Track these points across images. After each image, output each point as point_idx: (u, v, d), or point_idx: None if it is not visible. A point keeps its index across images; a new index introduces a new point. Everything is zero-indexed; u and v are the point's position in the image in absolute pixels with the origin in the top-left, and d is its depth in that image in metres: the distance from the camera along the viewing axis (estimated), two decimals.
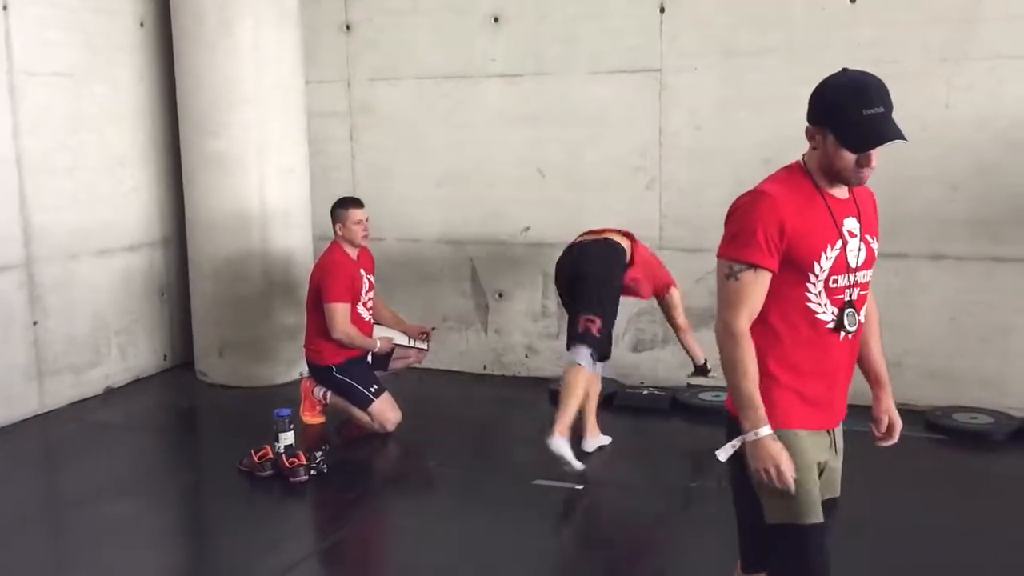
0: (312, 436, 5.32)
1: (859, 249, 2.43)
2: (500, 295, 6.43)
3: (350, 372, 5.32)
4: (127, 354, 6.37)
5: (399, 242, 6.59)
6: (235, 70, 6.04)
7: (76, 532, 4.23)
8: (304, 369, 5.84)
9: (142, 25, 6.35)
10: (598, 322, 4.75)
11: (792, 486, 2.34)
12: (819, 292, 2.39)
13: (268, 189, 6.20)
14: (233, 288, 6.25)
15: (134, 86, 6.32)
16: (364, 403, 5.30)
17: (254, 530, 4.28)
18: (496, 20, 6.15)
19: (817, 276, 2.37)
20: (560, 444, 4.52)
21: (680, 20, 5.72)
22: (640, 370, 6.08)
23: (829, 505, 2.54)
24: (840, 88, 2.34)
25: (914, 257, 5.43)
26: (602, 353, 4.85)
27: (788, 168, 2.47)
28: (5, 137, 5.45)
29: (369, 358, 5.46)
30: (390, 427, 5.32)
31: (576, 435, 4.85)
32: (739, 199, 2.42)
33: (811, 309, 2.40)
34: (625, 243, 5.01)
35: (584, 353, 4.76)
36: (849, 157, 2.32)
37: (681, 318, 5.36)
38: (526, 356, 6.42)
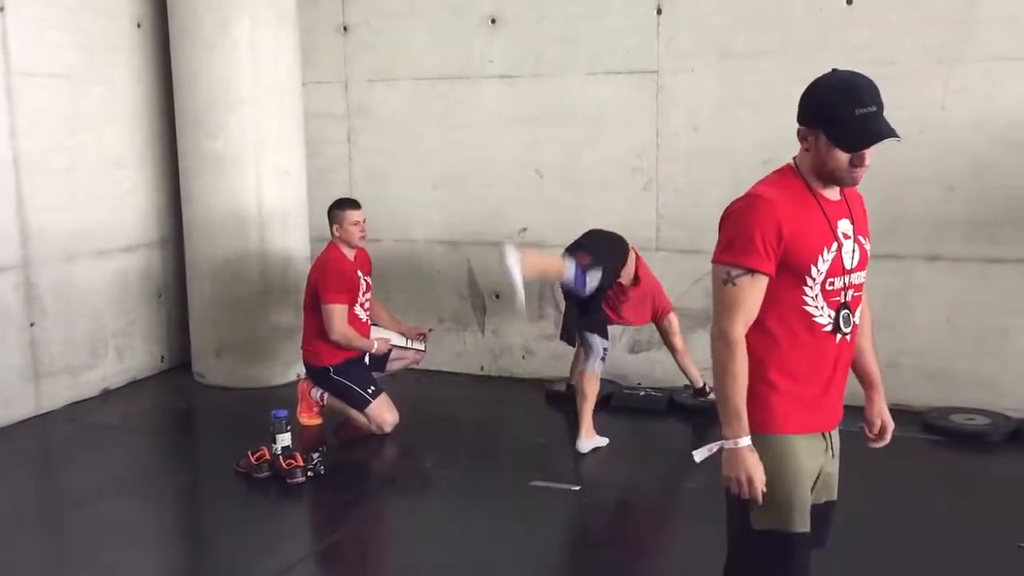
0: (309, 437, 5.32)
1: (853, 251, 2.42)
2: (497, 296, 6.43)
3: (347, 373, 5.32)
4: (124, 355, 6.37)
5: (396, 243, 6.59)
6: (232, 71, 6.03)
7: (73, 533, 4.22)
8: (301, 370, 5.83)
9: (139, 26, 6.35)
10: (589, 260, 4.92)
11: (760, 500, 2.35)
12: (816, 295, 2.38)
13: (265, 190, 6.20)
14: (230, 289, 6.25)
15: (131, 87, 6.32)
16: (361, 404, 5.30)
17: (251, 531, 4.27)
18: (493, 21, 6.15)
19: (814, 279, 2.36)
20: (589, 443, 5.03)
21: (677, 21, 5.73)
22: (637, 371, 6.09)
23: (826, 508, 2.54)
24: (831, 88, 2.33)
25: (911, 258, 5.43)
26: (589, 328, 5.06)
27: (780, 171, 2.46)
28: (2, 138, 5.44)
29: (366, 359, 5.46)
30: (387, 428, 5.32)
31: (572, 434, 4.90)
32: (733, 204, 2.40)
33: (808, 312, 2.39)
34: (631, 259, 5.18)
35: (595, 359, 5.04)
36: (842, 157, 2.31)
37: (679, 342, 5.44)
38: (523, 357, 6.42)
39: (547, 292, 6.25)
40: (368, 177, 6.62)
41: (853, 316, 2.45)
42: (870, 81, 2.33)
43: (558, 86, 6.00)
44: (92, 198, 6.04)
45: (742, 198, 2.39)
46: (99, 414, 5.89)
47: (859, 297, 2.48)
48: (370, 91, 6.55)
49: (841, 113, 2.28)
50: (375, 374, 5.46)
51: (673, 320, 5.43)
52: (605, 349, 5.13)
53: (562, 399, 5.79)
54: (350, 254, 5.40)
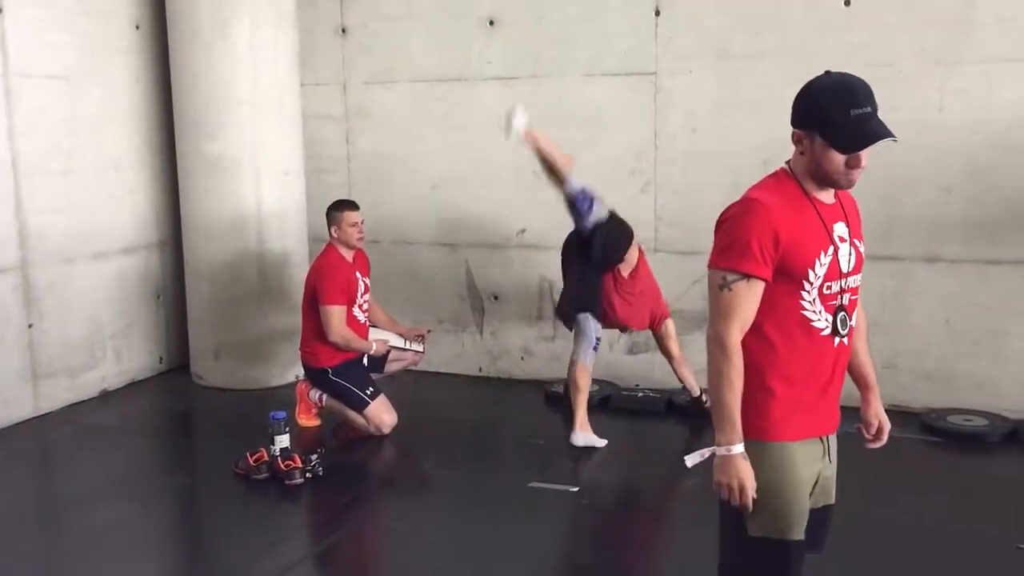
0: (308, 439, 5.32)
1: (849, 254, 2.41)
2: (496, 298, 6.44)
3: (346, 375, 5.32)
4: (122, 357, 6.37)
5: (394, 245, 6.59)
6: (231, 72, 6.04)
7: (72, 535, 4.22)
8: (300, 372, 5.83)
9: (138, 27, 6.35)
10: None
11: (750, 508, 2.33)
12: (814, 299, 2.36)
13: (264, 192, 6.20)
14: (229, 291, 6.25)
15: (130, 88, 6.32)
16: (360, 406, 5.30)
17: (249, 533, 4.27)
18: (492, 23, 6.15)
19: (812, 284, 2.35)
20: (583, 437, 5.05)
21: (675, 23, 5.74)
22: (635, 373, 6.09)
23: (824, 512, 2.53)
24: (825, 90, 2.31)
25: (908, 259, 5.44)
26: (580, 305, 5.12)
27: (774, 175, 2.43)
28: (1, 140, 5.44)
29: (365, 361, 5.46)
30: (386, 430, 5.33)
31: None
32: (729, 209, 2.38)
33: (806, 317, 2.37)
34: (635, 248, 5.21)
35: (587, 348, 5.03)
36: (838, 159, 2.29)
37: (676, 348, 5.44)
38: (522, 359, 6.42)
39: (546, 292, 6.26)
40: (367, 179, 6.62)
41: (850, 319, 2.44)
42: (864, 82, 2.31)
43: (556, 88, 6.00)
44: (90, 199, 6.04)
45: (738, 203, 2.37)
46: (97, 415, 5.89)
47: (855, 300, 2.47)
48: (369, 93, 6.56)
49: (836, 114, 2.26)
50: (373, 375, 5.47)
51: (670, 325, 5.43)
52: (598, 339, 5.13)
53: (560, 400, 5.79)
54: (348, 255, 5.40)
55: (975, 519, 4.17)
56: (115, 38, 6.19)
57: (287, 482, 4.62)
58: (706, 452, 2.41)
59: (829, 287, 2.37)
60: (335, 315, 5.23)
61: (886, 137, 2.25)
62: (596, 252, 5.08)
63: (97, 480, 4.83)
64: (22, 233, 5.59)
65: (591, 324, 5.14)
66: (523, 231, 6.26)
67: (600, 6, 5.82)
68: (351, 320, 5.33)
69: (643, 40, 5.79)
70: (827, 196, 2.41)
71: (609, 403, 5.79)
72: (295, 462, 4.68)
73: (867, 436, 2.66)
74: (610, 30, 5.81)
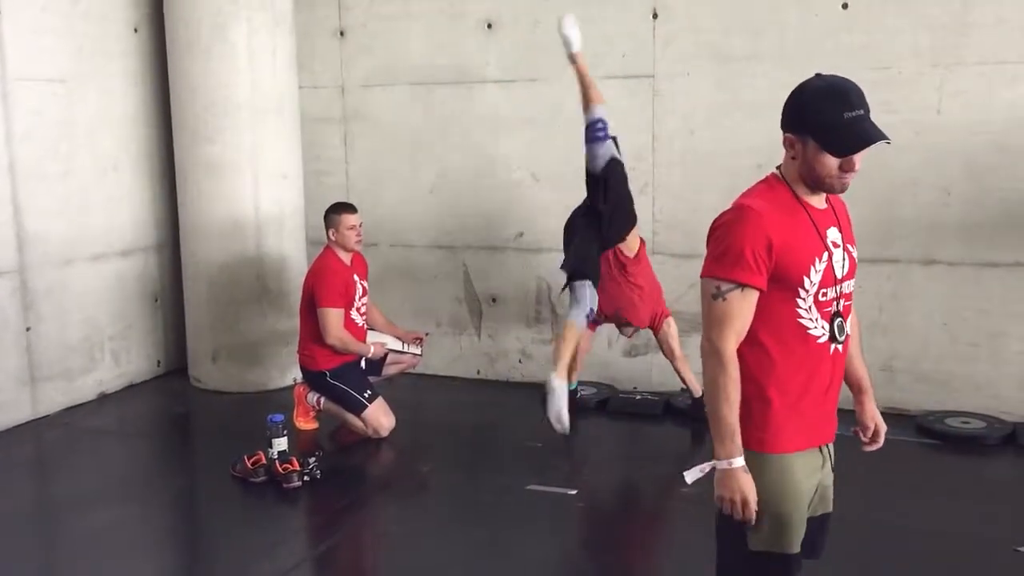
0: (306, 442, 5.31)
1: (843, 259, 2.38)
2: (494, 300, 6.44)
3: (344, 377, 5.32)
4: (120, 360, 6.36)
5: (392, 247, 6.60)
6: (229, 75, 6.04)
7: (69, 538, 4.22)
8: (298, 375, 5.83)
9: (136, 31, 6.35)
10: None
11: (752, 521, 2.30)
12: (810, 306, 2.33)
13: (262, 194, 6.20)
14: (227, 294, 6.25)
15: (128, 91, 6.32)
16: (358, 408, 5.30)
17: (247, 536, 4.27)
18: (490, 26, 6.16)
19: (807, 291, 2.31)
20: (560, 383, 4.90)
21: (673, 26, 5.74)
22: (633, 375, 6.09)
23: (823, 519, 2.51)
24: (817, 92, 2.28)
25: (906, 262, 5.44)
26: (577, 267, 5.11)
27: (765, 181, 2.39)
28: None
29: (363, 364, 5.46)
30: (384, 432, 5.32)
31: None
32: (721, 216, 2.34)
33: (802, 325, 2.34)
34: (636, 236, 5.29)
35: (580, 311, 5.00)
36: (832, 163, 2.25)
37: (678, 347, 5.45)
38: (520, 361, 6.42)
39: (544, 295, 6.26)
40: (365, 181, 6.63)
41: (846, 326, 2.41)
42: (855, 84, 2.28)
43: (554, 90, 6.00)
44: (88, 203, 6.04)
45: (729, 210, 2.33)
46: (95, 418, 5.88)
47: (850, 306, 2.44)
48: (367, 95, 6.56)
49: (830, 117, 2.23)
50: (371, 378, 5.47)
51: (672, 324, 5.43)
52: (592, 309, 5.07)
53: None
54: (346, 258, 5.40)
55: (972, 521, 4.17)
56: (113, 41, 6.19)
57: (285, 485, 4.62)
58: (706, 467, 2.37)
59: (825, 293, 2.34)
60: (333, 318, 5.23)
61: (880, 140, 2.22)
62: (608, 201, 5.12)
63: (95, 483, 4.83)
64: (20, 236, 5.59)
65: (587, 292, 5.05)
66: (521, 234, 6.26)
67: (598, 9, 5.82)
68: (349, 323, 5.33)
69: (641, 43, 5.80)
70: (819, 201, 2.38)
71: (607, 406, 5.79)
72: (293, 465, 4.67)
73: (863, 439, 2.64)
74: (608, 33, 5.81)
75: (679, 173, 5.82)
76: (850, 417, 2.67)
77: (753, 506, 2.28)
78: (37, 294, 5.71)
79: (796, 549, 2.38)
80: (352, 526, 4.45)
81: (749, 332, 2.31)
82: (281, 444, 4.83)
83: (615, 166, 5.14)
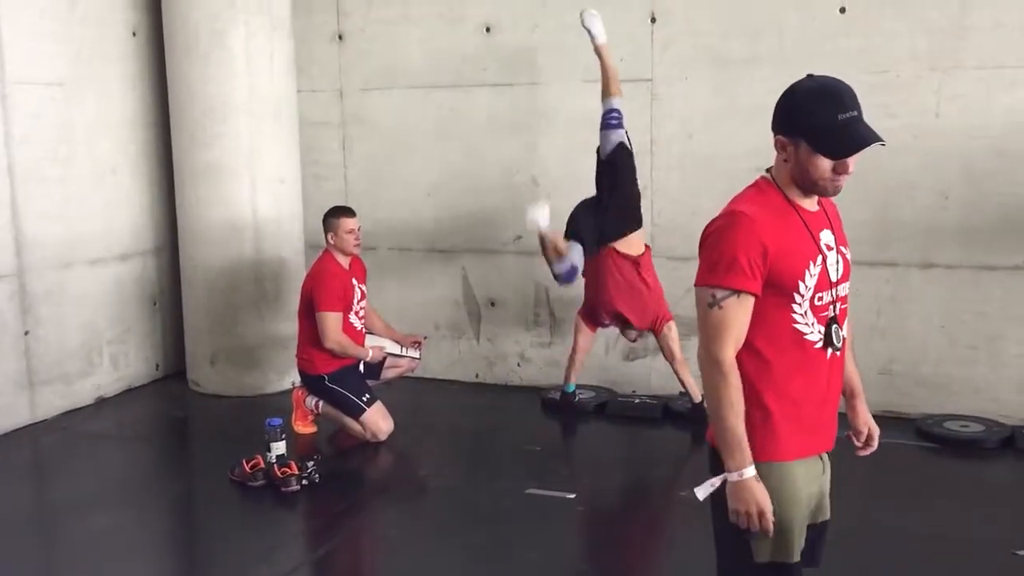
0: (304, 445, 5.31)
1: (837, 262, 2.34)
2: (492, 304, 6.44)
3: (342, 381, 5.32)
4: (119, 364, 6.36)
5: (391, 251, 6.60)
6: (227, 79, 6.04)
7: (67, 542, 4.21)
8: (296, 378, 5.83)
9: (134, 35, 6.35)
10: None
11: (771, 531, 2.25)
12: (805, 311, 2.28)
13: (260, 198, 6.20)
14: (225, 297, 6.25)
15: (126, 95, 6.32)
16: (356, 412, 5.30)
17: (246, 540, 4.26)
18: (488, 30, 6.16)
19: (803, 295, 2.27)
20: (538, 212, 5.35)
21: (671, 30, 5.75)
22: (632, 379, 6.09)
23: (822, 527, 2.48)
24: (810, 94, 2.24)
25: (904, 265, 5.45)
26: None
27: (756, 186, 2.35)
28: None
29: (361, 367, 5.45)
30: (382, 436, 5.32)
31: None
32: (713, 223, 2.29)
33: (799, 330, 2.29)
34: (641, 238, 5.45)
35: (562, 263, 5.30)
36: (825, 165, 2.21)
37: (678, 350, 5.47)
38: (518, 365, 6.42)
39: (542, 298, 6.26)
40: (363, 185, 6.63)
41: (842, 331, 2.36)
42: (848, 85, 2.24)
43: (552, 94, 6.01)
44: (87, 206, 6.03)
45: (721, 216, 2.29)
46: (94, 422, 5.87)
47: (846, 310, 2.40)
48: (365, 99, 6.56)
49: (823, 119, 2.19)
50: (370, 382, 5.46)
51: (672, 328, 5.45)
52: (575, 267, 5.27)
53: (557, 407, 5.80)
54: (345, 262, 5.40)
55: (971, 525, 4.17)
56: (111, 45, 6.19)
57: (283, 489, 4.61)
58: (716, 481, 2.30)
59: (820, 298, 2.30)
60: (331, 321, 5.22)
61: (875, 142, 2.19)
62: (614, 186, 5.32)
63: (93, 487, 4.82)
64: (18, 240, 5.58)
65: (576, 250, 5.27)
66: (519, 237, 6.26)
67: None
68: (347, 327, 5.33)
69: (639, 47, 5.80)
70: (811, 204, 2.34)
71: (606, 409, 5.79)
72: (291, 469, 4.67)
73: (857, 444, 2.60)
74: (608, 36, 5.80)
75: (677, 177, 5.83)
76: (843, 421, 2.66)
77: (770, 516, 2.23)
78: (35, 298, 5.71)
79: (797, 558, 2.35)
80: (351, 530, 4.45)
81: (745, 339, 2.27)
82: (279, 448, 4.82)
83: (623, 153, 5.30)
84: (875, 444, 2.60)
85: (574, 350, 5.65)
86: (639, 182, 5.50)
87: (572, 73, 5.97)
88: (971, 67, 5.19)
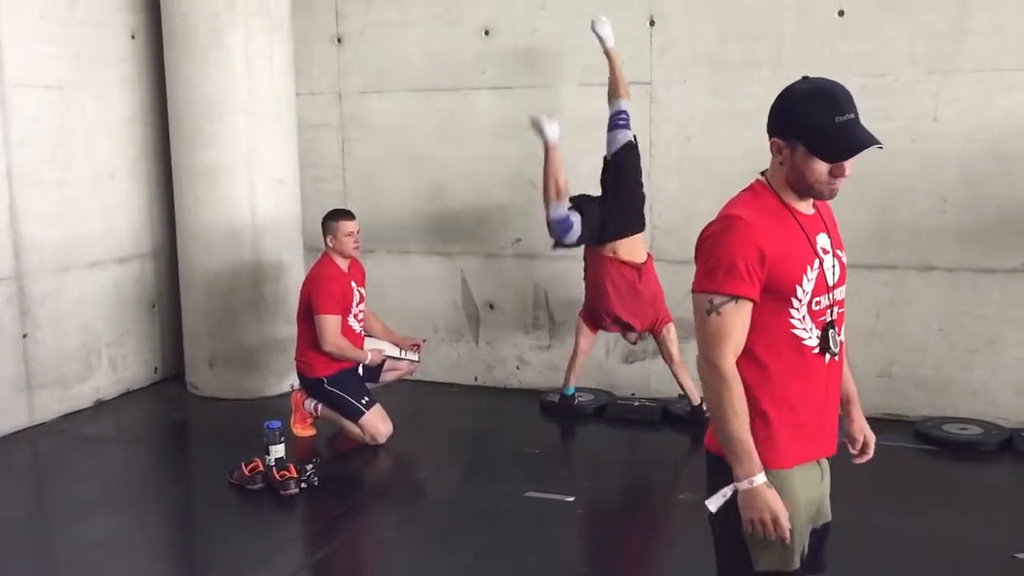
0: (303, 448, 5.30)
1: (833, 266, 2.31)
2: (491, 307, 6.44)
3: (341, 384, 5.31)
4: (117, 366, 6.35)
5: (390, 254, 6.59)
6: (226, 81, 6.04)
7: (66, 545, 4.21)
8: (295, 381, 5.83)
9: (133, 37, 6.35)
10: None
11: (788, 537, 2.21)
12: (803, 316, 2.25)
13: (259, 201, 6.20)
14: (224, 300, 6.24)
15: (125, 97, 6.32)
16: (355, 415, 5.29)
17: (245, 543, 4.26)
18: (487, 33, 6.17)
19: (800, 300, 2.24)
20: (553, 123, 5.36)
21: (670, 33, 5.75)
22: (632, 382, 6.09)
23: (824, 530, 2.46)
24: (806, 96, 2.21)
25: (903, 268, 5.45)
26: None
27: (751, 189, 2.32)
28: None
29: (360, 370, 5.45)
30: (381, 439, 5.31)
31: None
32: (709, 227, 2.26)
33: (797, 336, 2.26)
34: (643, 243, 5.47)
35: (559, 208, 5.26)
36: (822, 169, 2.18)
37: (676, 352, 5.48)
38: (517, 368, 6.41)
39: (541, 301, 6.26)
40: (362, 188, 6.63)
41: (839, 335, 2.33)
42: (844, 87, 2.21)
43: (551, 97, 6.01)
44: (85, 209, 6.03)
45: (717, 221, 2.25)
46: (92, 425, 5.87)
47: (843, 314, 2.37)
48: (364, 102, 6.57)
49: (820, 122, 2.16)
50: (369, 385, 5.46)
51: (672, 330, 5.46)
52: (571, 222, 5.25)
53: (556, 409, 5.79)
54: (344, 265, 5.40)
55: (970, 528, 4.17)
56: (110, 48, 6.19)
57: (282, 492, 4.61)
58: (727, 491, 2.25)
59: (818, 302, 2.27)
60: (330, 324, 5.22)
61: (872, 145, 2.16)
62: (619, 184, 5.37)
63: (92, 490, 4.82)
64: (16, 243, 5.58)
65: (576, 218, 5.26)
66: (519, 240, 6.26)
67: (594, 17, 5.81)
68: (346, 330, 5.33)
69: (638, 50, 5.80)
70: (806, 207, 2.31)
71: (605, 412, 5.78)
72: (290, 472, 4.67)
73: (852, 452, 2.57)
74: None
75: (676, 180, 5.83)
76: (840, 426, 2.66)
77: (786, 522, 2.19)
78: (34, 301, 5.71)
79: (797, 565, 2.32)
80: (350, 533, 4.44)
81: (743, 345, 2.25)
82: (278, 451, 4.82)
83: (629, 153, 5.36)
84: (871, 452, 2.57)
85: (575, 352, 5.66)
86: None
87: (571, 76, 5.98)
88: (969, 70, 5.20)
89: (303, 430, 5.54)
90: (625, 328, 5.48)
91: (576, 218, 5.26)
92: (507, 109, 6.18)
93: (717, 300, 2.20)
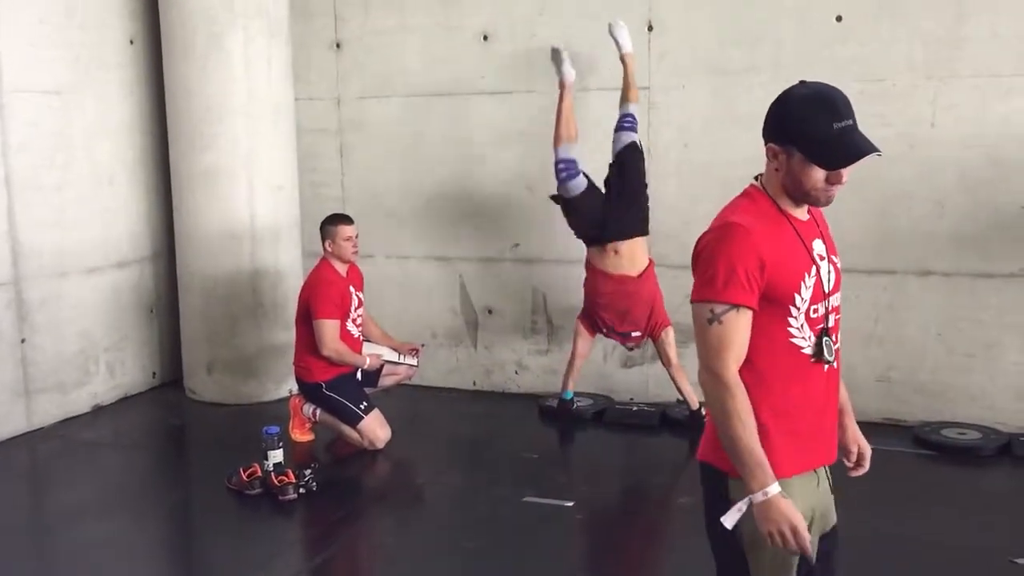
0: (301, 454, 5.30)
1: (829, 272, 2.28)
2: (490, 312, 6.44)
3: (339, 389, 5.31)
4: (115, 372, 6.35)
5: (388, 259, 6.59)
6: (225, 86, 6.04)
7: (64, 550, 4.21)
8: (293, 386, 5.82)
9: (132, 42, 6.35)
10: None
11: (809, 548, 2.14)
12: (801, 324, 2.22)
13: (258, 206, 6.20)
14: (222, 305, 6.24)
15: (123, 102, 6.32)
16: (354, 420, 5.29)
17: (243, 548, 4.26)
18: (486, 38, 6.17)
19: (799, 308, 2.21)
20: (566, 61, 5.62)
21: (668, 38, 5.76)
22: (630, 386, 6.09)
23: (833, 534, 2.42)
24: (803, 101, 2.17)
25: (901, 273, 5.46)
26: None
27: (746, 195, 2.29)
28: None
29: (358, 375, 5.45)
30: (380, 444, 5.31)
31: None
32: (706, 235, 2.22)
33: (795, 344, 2.23)
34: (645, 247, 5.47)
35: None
36: (819, 176, 2.15)
37: (674, 355, 5.49)
38: (516, 373, 6.41)
39: (539, 306, 6.26)
40: (360, 192, 6.63)
41: (835, 343, 2.30)
42: (842, 92, 2.18)
43: (550, 102, 6.00)
44: (83, 214, 6.02)
45: (715, 228, 2.22)
46: (90, 430, 5.86)
47: (839, 320, 2.34)
48: (362, 107, 6.57)
49: (818, 128, 2.12)
50: (367, 390, 5.46)
51: (670, 333, 5.46)
52: (577, 170, 5.39)
53: (554, 414, 5.79)
54: (342, 269, 5.40)
55: (969, 532, 4.17)
56: (109, 52, 6.19)
57: (280, 497, 4.61)
58: (743, 505, 2.18)
59: (816, 310, 2.24)
60: (328, 329, 5.22)
61: (871, 152, 2.12)
62: (622, 183, 5.43)
63: (90, 495, 4.81)
64: (15, 248, 5.58)
65: (583, 174, 5.41)
66: (517, 245, 6.26)
67: (593, 21, 5.83)
68: (345, 334, 5.33)
69: (636, 55, 5.79)
70: (801, 213, 2.27)
71: (604, 417, 5.78)
72: (289, 477, 4.66)
73: (847, 464, 2.52)
74: (603, 45, 5.81)
75: (674, 184, 5.83)
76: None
77: (805, 532, 2.12)
78: (32, 306, 5.70)
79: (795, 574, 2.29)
80: (348, 538, 4.44)
81: None
82: (277, 456, 4.82)
83: (633, 153, 5.42)
84: (867, 464, 2.51)
85: (573, 356, 5.66)
86: None
87: None
88: (967, 76, 5.21)
89: (301, 435, 5.53)
90: (623, 337, 5.50)
91: (583, 174, 5.39)
92: (506, 114, 6.18)
93: (718, 309, 2.15)
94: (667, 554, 4.33)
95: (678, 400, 5.62)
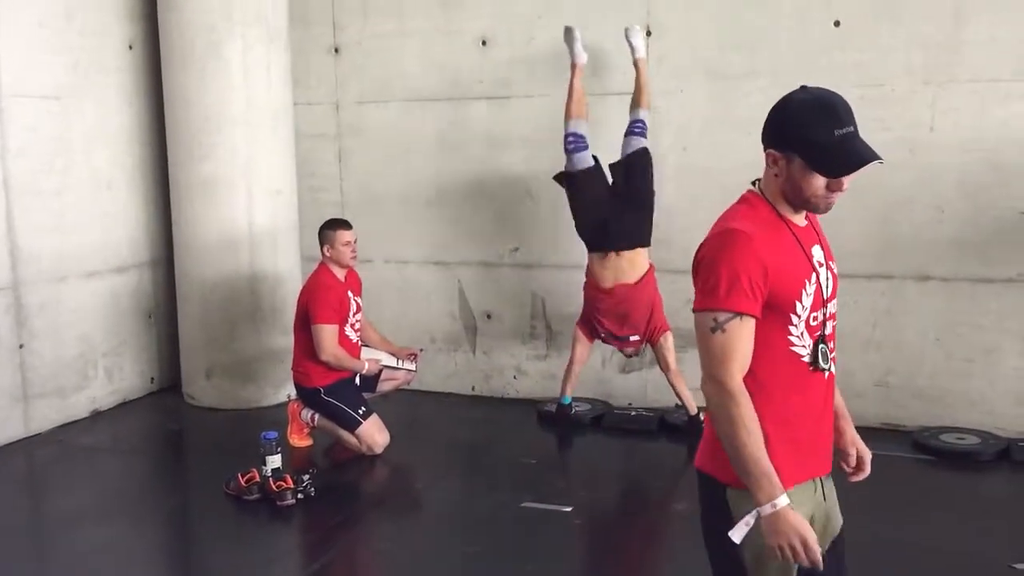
0: (300, 459, 5.29)
1: (827, 279, 2.25)
2: (488, 316, 6.43)
3: (338, 394, 5.31)
4: (114, 377, 6.34)
5: (387, 264, 6.59)
6: (223, 91, 6.04)
7: (62, 556, 4.20)
8: (292, 391, 5.82)
9: (131, 47, 6.36)
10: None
11: (820, 560, 2.08)
12: (801, 332, 2.20)
13: (256, 211, 6.20)
14: (221, 310, 6.24)
15: (122, 108, 6.32)
16: (352, 425, 5.28)
17: (241, 554, 4.25)
18: (484, 43, 6.18)
19: (800, 316, 2.18)
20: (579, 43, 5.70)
21: (667, 43, 5.77)
22: (629, 392, 6.08)
23: (840, 540, 2.40)
24: (805, 107, 2.14)
25: (900, 278, 5.45)
26: None
27: (746, 201, 2.26)
28: None
29: (357, 380, 5.44)
30: (378, 449, 5.30)
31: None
32: (707, 243, 2.19)
33: (795, 352, 2.20)
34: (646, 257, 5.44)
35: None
36: (819, 183, 2.12)
37: (673, 360, 5.47)
38: (514, 377, 6.41)
39: (539, 311, 6.25)
40: (359, 197, 6.63)
41: (830, 350, 2.27)
42: (843, 98, 2.15)
43: (549, 107, 6.01)
44: (82, 219, 6.03)
45: (716, 235, 2.18)
46: (89, 436, 5.85)
47: (835, 327, 2.31)
48: (361, 112, 6.57)
49: (819, 135, 2.09)
50: (366, 395, 5.45)
51: (669, 338, 5.46)
52: (585, 145, 5.45)
53: (553, 419, 5.79)
54: (341, 274, 5.40)
55: (968, 538, 4.17)
56: (108, 58, 6.19)
57: (279, 503, 4.60)
58: (750, 519, 2.13)
59: (815, 317, 2.22)
60: (327, 334, 5.22)
61: (873, 160, 2.09)
62: (628, 185, 5.44)
63: (88, 500, 4.80)
64: (14, 253, 5.57)
65: (589, 150, 5.47)
66: (516, 249, 6.26)
67: (592, 26, 5.84)
68: (343, 339, 5.32)
69: None
70: (800, 219, 2.25)
71: (602, 422, 5.78)
72: (287, 482, 4.65)
73: (847, 469, 2.49)
74: (602, 49, 5.83)
75: (673, 188, 5.83)
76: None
77: (815, 545, 2.07)
78: (30, 311, 5.70)
79: None
80: (346, 543, 4.43)
81: None
82: (275, 461, 4.81)
83: (641, 156, 5.44)
84: (867, 469, 2.47)
85: (571, 361, 5.65)
86: None
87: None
88: (965, 81, 5.21)
89: (300, 440, 5.53)
90: (622, 342, 5.50)
91: (591, 153, 5.44)
92: (504, 119, 6.19)
93: (721, 317, 2.11)
94: (665, 559, 4.32)
95: (676, 405, 5.61)
